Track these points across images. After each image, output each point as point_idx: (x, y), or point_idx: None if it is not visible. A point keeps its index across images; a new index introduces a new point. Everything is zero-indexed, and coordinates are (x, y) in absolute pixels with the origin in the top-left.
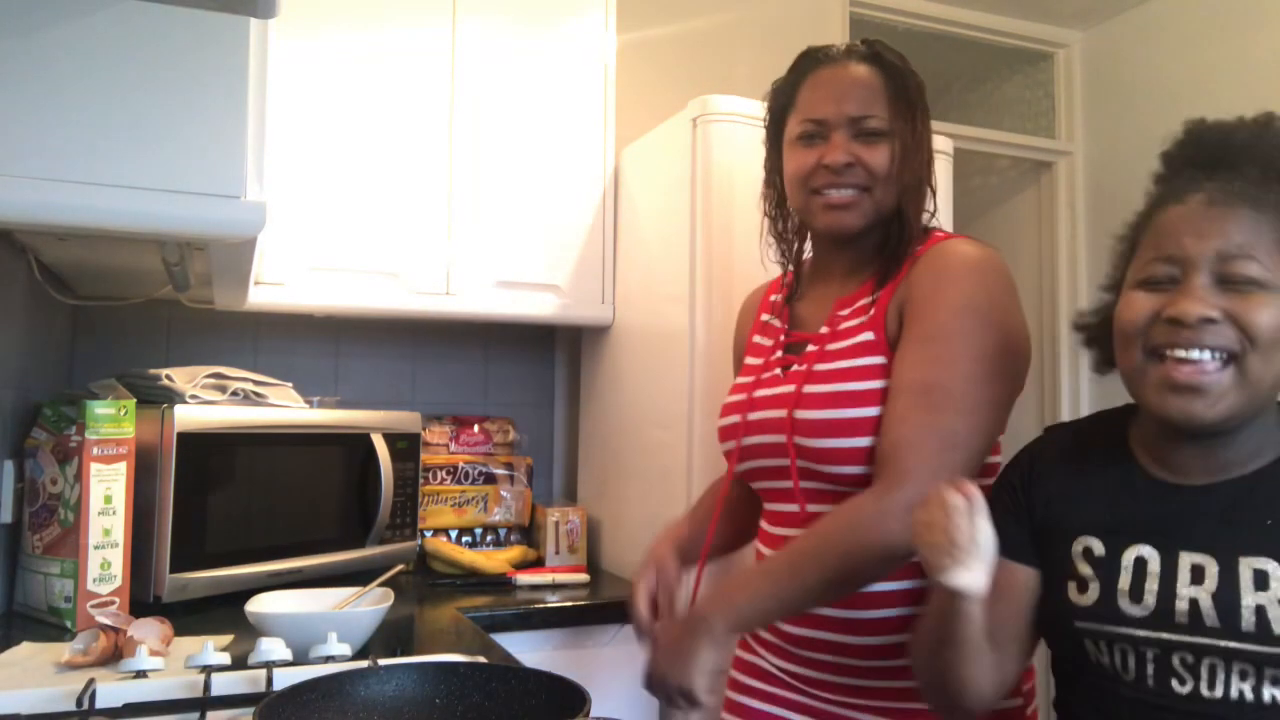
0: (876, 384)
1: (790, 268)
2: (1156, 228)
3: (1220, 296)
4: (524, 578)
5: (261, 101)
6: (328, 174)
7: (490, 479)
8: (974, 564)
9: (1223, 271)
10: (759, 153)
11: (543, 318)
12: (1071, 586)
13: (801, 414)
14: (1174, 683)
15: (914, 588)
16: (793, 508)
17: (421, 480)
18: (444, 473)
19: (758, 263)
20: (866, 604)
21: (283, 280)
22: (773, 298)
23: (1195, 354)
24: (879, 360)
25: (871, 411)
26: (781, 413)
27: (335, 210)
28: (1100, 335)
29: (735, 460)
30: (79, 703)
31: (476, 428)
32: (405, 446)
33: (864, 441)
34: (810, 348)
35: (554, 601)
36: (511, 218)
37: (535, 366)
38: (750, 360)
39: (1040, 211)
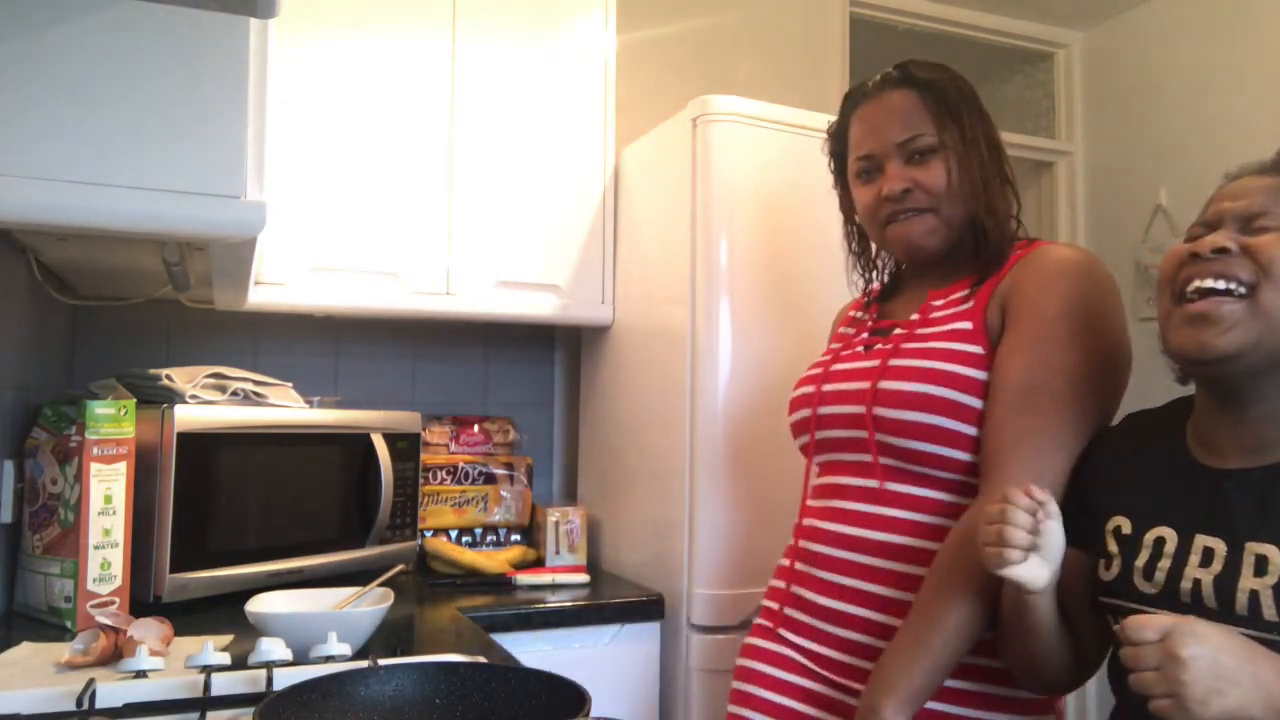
0: (967, 370)
1: (878, 282)
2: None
3: (1240, 236)
4: (524, 578)
5: (261, 101)
6: (328, 174)
7: (490, 479)
8: (1032, 561)
9: (1247, 227)
10: (759, 153)
11: (543, 318)
12: (1100, 564)
13: (885, 384)
14: None
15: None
16: (871, 483)
17: (421, 480)
18: (444, 473)
19: (758, 262)
20: (908, 585)
21: (283, 280)
22: (869, 297)
23: (1209, 282)
24: (974, 349)
25: (955, 395)
26: (863, 384)
27: (335, 210)
28: None
29: (808, 429)
30: (79, 703)
31: (476, 428)
32: (405, 446)
33: (942, 421)
34: (898, 330)
35: (554, 601)
36: (511, 218)
37: (535, 366)
38: (833, 345)
39: (1040, 211)
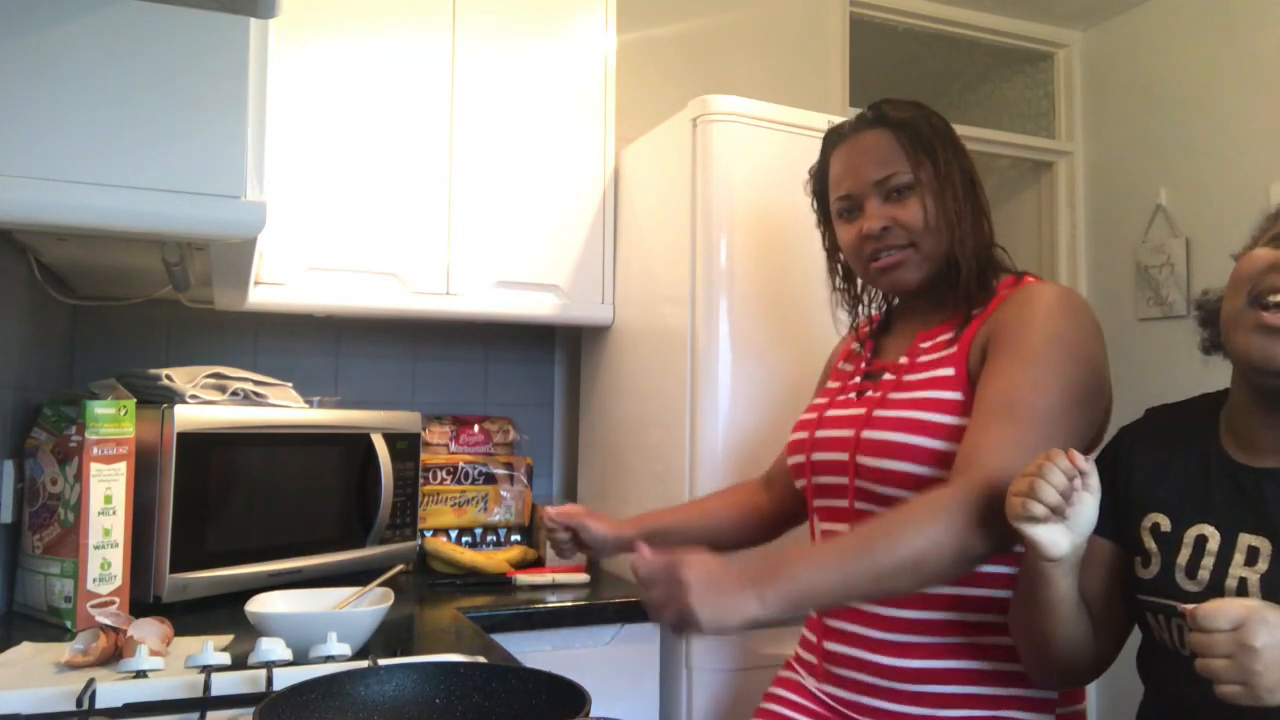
0: (946, 418)
1: (866, 316)
2: None
3: None
4: (524, 578)
5: (261, 101)
6: (328, 174)
7: (490, 479)
8: (1056, 526)
9: None
10: (759, 153)
11: (543, 318)
12: (1138, 561)
13: (868, 434)
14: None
15: (953, 620)
16: (844, 527)
17: (421, 480)
18: (444, 473)
19: (758, 262)
20: (906, 629)
21: (283, 280)
22: (866, 330)
23: None
24: (954, 395)
25: (935, 444)
26: (849, 432)
27: (335, 210)
28: (1215, 317)
29: (804, 474)
30: (79, 703)
31: (476, 428)
32: (405, 446)
33: (922, 470)
34: (887, 376)
35: (554, 601)
36: (511, 218)
37: (535, 366)
38: (830, 384)
39: (1040, 211)
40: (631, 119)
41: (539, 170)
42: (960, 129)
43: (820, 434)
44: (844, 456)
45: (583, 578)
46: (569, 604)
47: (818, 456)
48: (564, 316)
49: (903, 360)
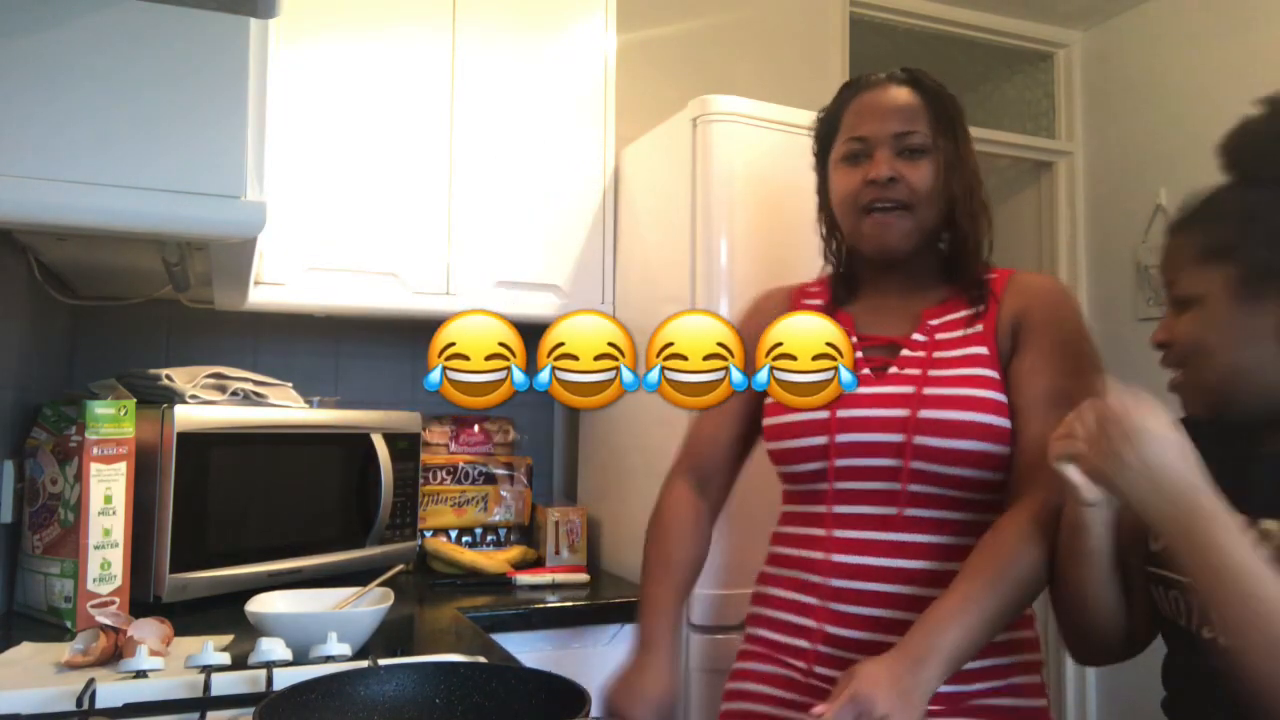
0: (990, 394)
1: (826, 273)
2: None
3: None
4: (524, 578)
5: (261, 101)
6: (327, 174)
7: (490, 479)
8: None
9: None
10: (759, 153)
11: (543, 317)
12: (1150, 534)
13: (927, 414)
14: (1204, 630)
15: None
16: (889, 510)
17: (421, 480)
18: (444, 473)
19: (757, 262)
20: (920, 606)
21: (283, 280)
22: (812, 303)
23: None
24: (992, 374)
25: (986, 418)
26: (900, 411)
27: (335, 210)
28: None
29: (817, 457)
30: (79, 703)
31: (476, 428)
32: (405, 446)
33: (978, 445)
34: (906, 352)
35: (554, 601)
36: (511, 218)
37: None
38: None
39: (1040, 211)
40: (631, 119)
41: (539, 170)
42: None
43: (847, 413)
44: (896, 437)
45: (583, 578)
46: (569, 604)
47: (847, 438)
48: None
49: (918, 338)
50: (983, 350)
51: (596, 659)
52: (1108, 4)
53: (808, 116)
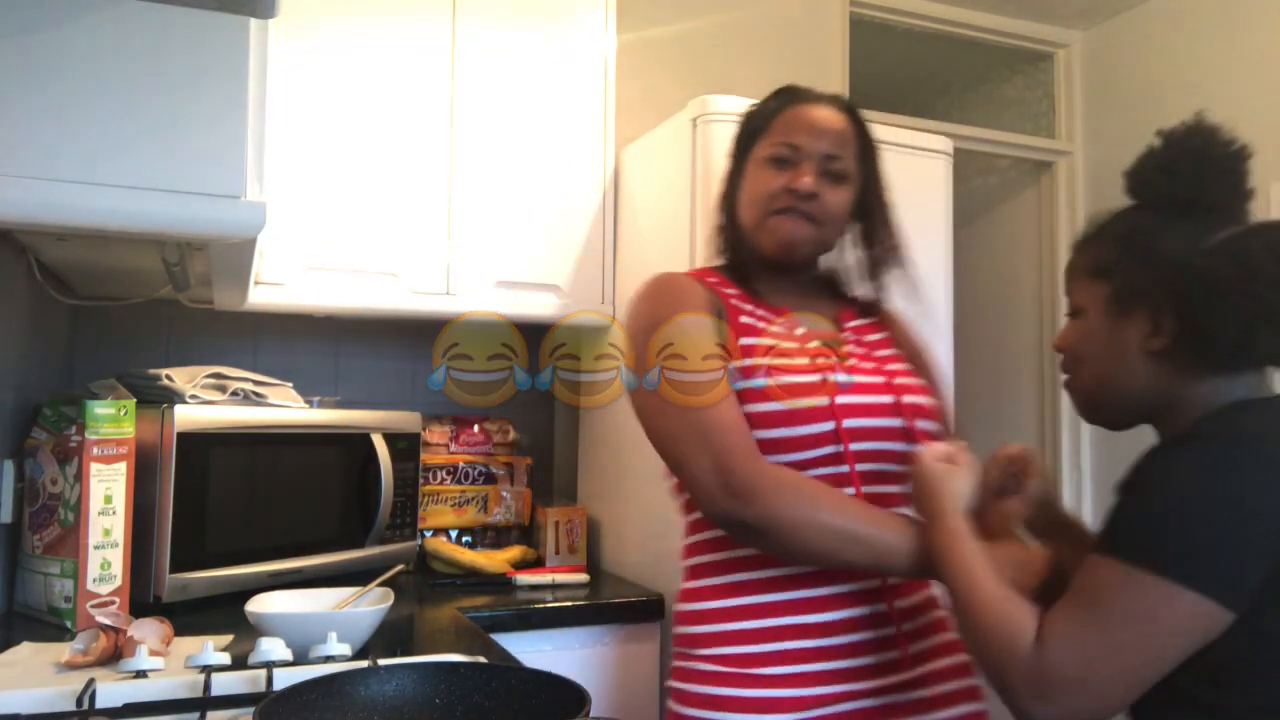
0: (926, 381)
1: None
2: None
3: None
4: (524, 578)
5: (261, 101)
6: (327, 174)
7: (490, 479)
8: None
9: None
10: None
11: (543, 318)
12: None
13: (909, 398)
14: None
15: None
16: (893, 488)
17: (421, 480)
18: (444, 473)
19: None
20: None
21: (283, 280)
22: (730, 290)
23: None
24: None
25: (936, 402)
26: (885, 398)
27: (335, 210)
28: None
29: (829, 442)
30: (79, 703)
31: (476, 428)
32: (405, 446)
33: (939, 428)
34: (849, 348)
35: (554, 601)
36: (511, 218)
37: (535, 366)
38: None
39: (1040, 211)
40: (631, 119)
41: (539, 170)
42: (960, 129)
43: (846, 400)
44: (897, 422)
45: (583, 578)
46: (569, 604)
47: (853, 423)
48: (564, 317)
49: (848, 334)
50: (896, 351)
51: (596, 659)
52: (1108, 4)
53: None
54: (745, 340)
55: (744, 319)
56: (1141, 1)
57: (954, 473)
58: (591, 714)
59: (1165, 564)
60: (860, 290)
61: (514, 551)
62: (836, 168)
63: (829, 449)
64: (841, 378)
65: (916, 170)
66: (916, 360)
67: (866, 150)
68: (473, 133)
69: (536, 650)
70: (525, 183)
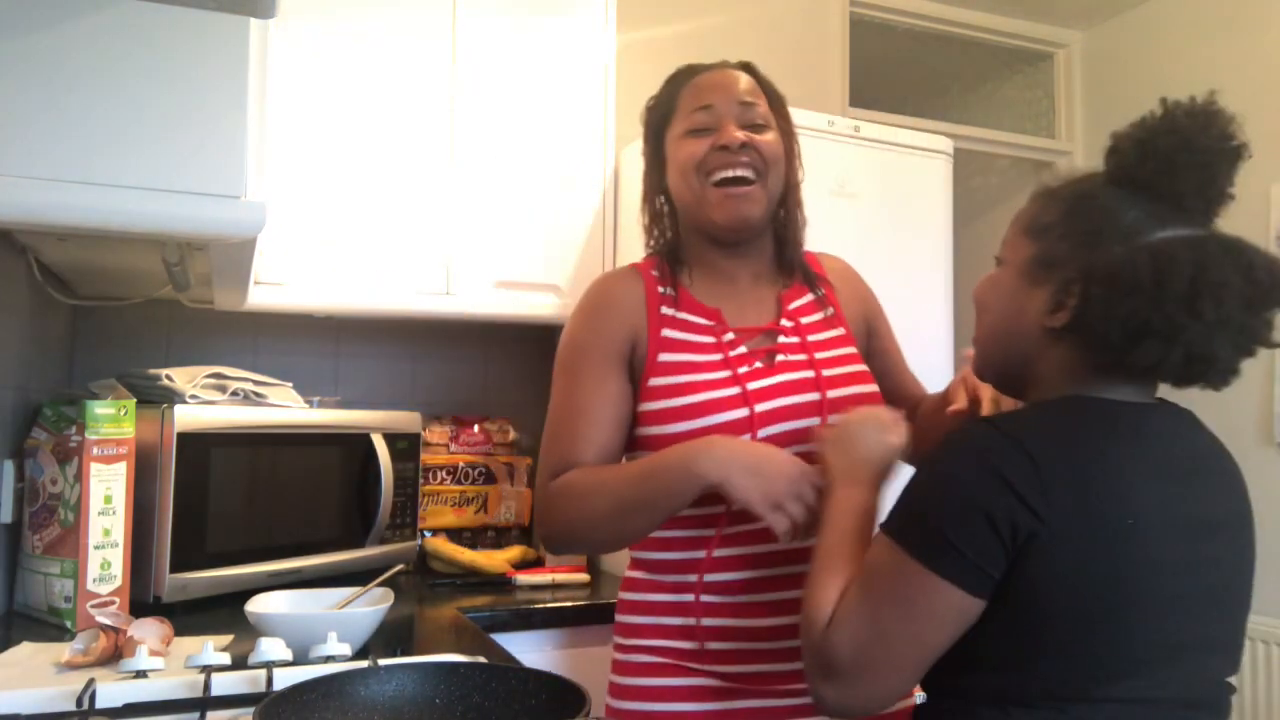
0: (864, 368)
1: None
2: None
3: None
4: (524, 578)
5: (261, 101)
6: (328, 174)
7: (490, 479)
8: None
9: None
10: None
11: (543, 318)
12: None
13: (835, 393)
14: None
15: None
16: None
17: (421, 480)
18: (444, 472)
19: None
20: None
21: (283, 280)
22: (664, 290)
23: None
24: (855, 350)
25: (873, 388)
26: (811, 396)
27: (335, 210)
28: None
29: None
30: (79, 703)
31: (476, 428)
32: (405, 446)
33: None
34: (783, 339)
35: (554, 601)
36: (511, 218)
37: (535, 366)
38: (692, 358)
39: None
40: (631, 119)
41: (539, 170)
42: (960, 129)
43: (765, 406)
44: (813, 421)
45: (583, 578)
46: (569, 604)
47: (769, 430)
48: (564, 316)
49: (786, 323)
50: (842, 331)
51: (596, 659)
52: (1108, 4)
53: (807, 116)
54: (664, 356)
55: (666, 332)
56: (1141, 1)
57: (867, 430)
58: (591, 714)
59: (918, 548)
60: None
61: (514, 551)
62: (756, 116)
63: None
64: (758, 384)
65: (916, 170)
66: (875, 331)
67: (776, 104)
68: (473, 133)
69: (536, 650)
70: (525, 183)
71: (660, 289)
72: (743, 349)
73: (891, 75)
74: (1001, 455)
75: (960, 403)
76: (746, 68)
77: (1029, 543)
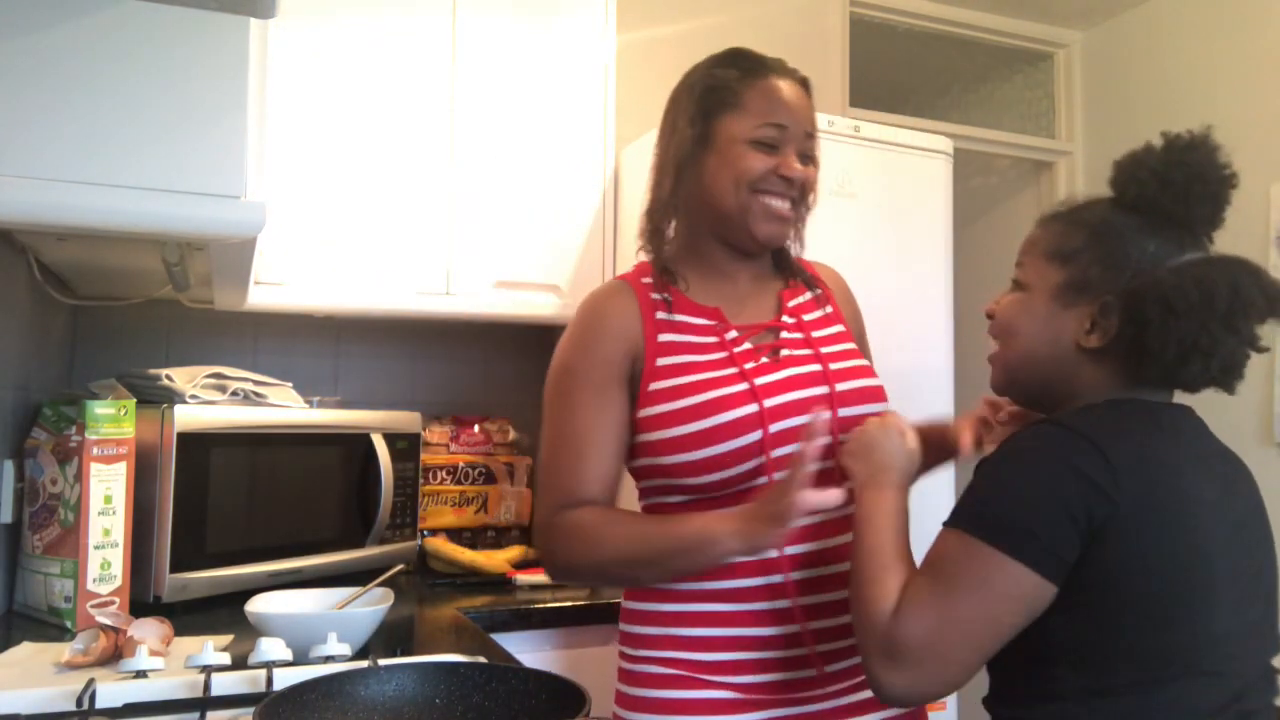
0: (868, 362)
1: (658, 270)
2: None
3: None
4: (524, 577)
5: (261, 101)
6: (328, 174)
7: (490, 478)
8: None
9: None
10: None
11: (543, 318)
12: None
13: (844, 386)
14: None
15: None
16: (836, 491)
17: (421, 480)
18: (444, 472)
19: None
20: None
21: (283, 280)
22: (658, 296)
23: None
24: (856, 346)
25: (879, 383)
26: (819, 390)
27: (335, 210)
28: None
29: (755, 454)
30: (79, 703)
31: (476, 428)
32: (405, 446)
33: (882, 407)
34: (786, 335)
35: (554, 601)
36: (511, 218)
37: (535, 366)
38: (695, 359)
39: (1040, 211)
40: (631, 119)
41: (539, 170)
42: (960, 129)
43: (774, 401)
44: (826, 414)
45: None
46: (569, 604)
47: (779, 425)
48: (564, 316)
49: (788, 319)
50: (841, 328)
51: (596, 659)
52: (1108, 4)
53: None
54: (663, 360)
55: (664, 337)
56: (1141, 1)
57: (889, 437)
58: (591, 714)
59: (992, 534)
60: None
61: (514, 551)
62: (811, 149)
63: (752, 462)
64: (766, 379)
65: (916, 170)
66: (860, 332)
67: (814, 131)
68: (473, 133)
69: (536, 650)
70: (525, 183)
71: (654, 295)
72: (747, 345)
73: (891, 75)
74: (1073, 447)
75: (966, 444)
76: (805, 84)
77: (1103, 528)
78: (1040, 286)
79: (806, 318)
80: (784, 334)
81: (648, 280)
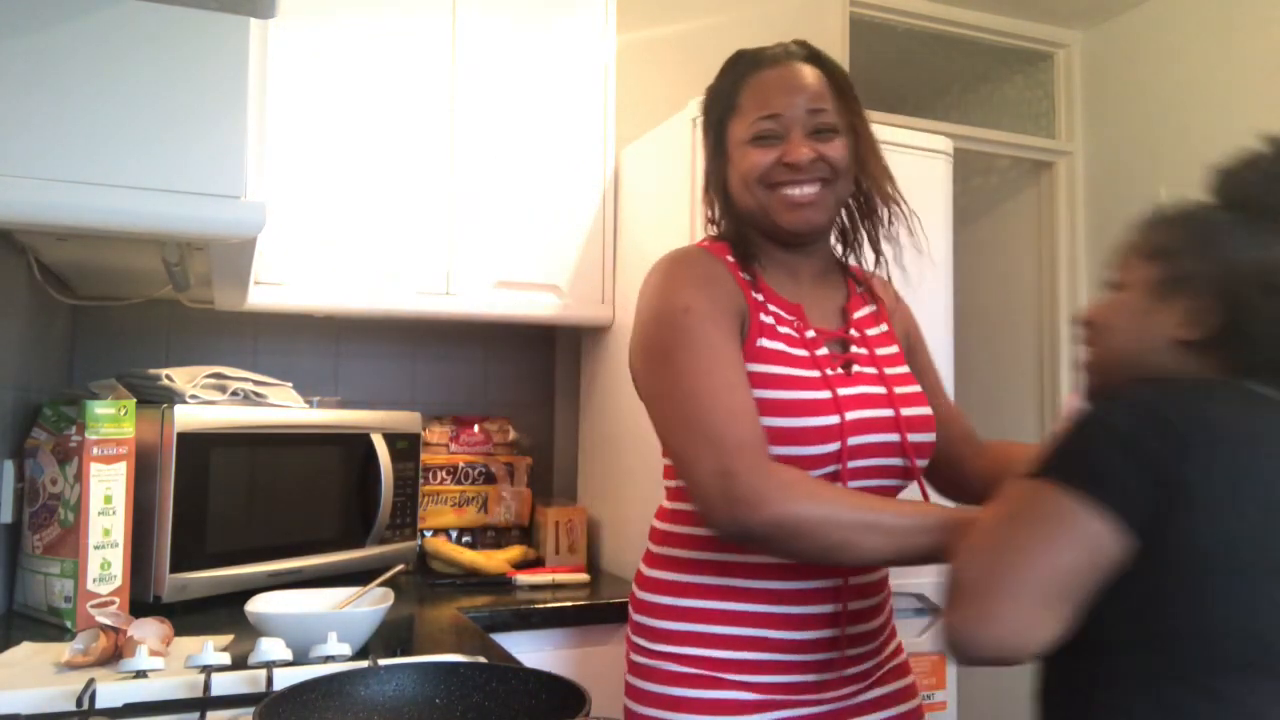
0: (920, 388)
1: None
2: None
3: None
4: (524, 578)
5: (261, 101)
6: (328, 174)
7: (490, 479)
8: None
9: None
10: None
11: (543, 318)
12: None
13: (908, 411)
14: None
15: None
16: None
17: (421, 480)
18: (444, 473)
19: None
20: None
21: (283, 280)
22: (745, 276)
23: None
24: (910, 370)
25: (930, 411)
26: (887, 411)
27: (335, 210)
28: None
29: (832, 461)
30: (79, 703)
31: (476, 428)
32: (405, 446)
33: (933, 436)
34: (855, 349)
35: (554, 601)
36: (511, 218)
37: (535, 366)
38: (786, 349)
39: (1040, 211)
40: (631, 119)
41: (539, 170)
42: (960, 129)
43: (853, 415)
44: (894, 437)
45: (583, 578)
46: (569, 604)
47: (856, 440)
48: (564, 317)
49: (854, 333)
50: (896, 349)
51: (596, 659)
52: (1108, 4)
53: None
54: (763, 342)
55: (762, 316)
56: (1141, 1)
57: None
58: (591, 714)
59: (1061, 473)
60: (857, 260)
61: (514, 551)
62: (824, 121)
63: (830, 468)
64: (846, 391)
65: (916, 170)
66: (914, 350)
67: (846, 93)
68: (473, 133)
69: (536, 650)
70: (525, 183)
71: (742, 274)
72: (824, 350)
73: (891, 75)
74: (1160, 405)
75: None
76: (812, 57)
77: (1181, 492)
78: (1136, 283)
79: (869, 333)
80: (852, 348)
81: (732, 258)
